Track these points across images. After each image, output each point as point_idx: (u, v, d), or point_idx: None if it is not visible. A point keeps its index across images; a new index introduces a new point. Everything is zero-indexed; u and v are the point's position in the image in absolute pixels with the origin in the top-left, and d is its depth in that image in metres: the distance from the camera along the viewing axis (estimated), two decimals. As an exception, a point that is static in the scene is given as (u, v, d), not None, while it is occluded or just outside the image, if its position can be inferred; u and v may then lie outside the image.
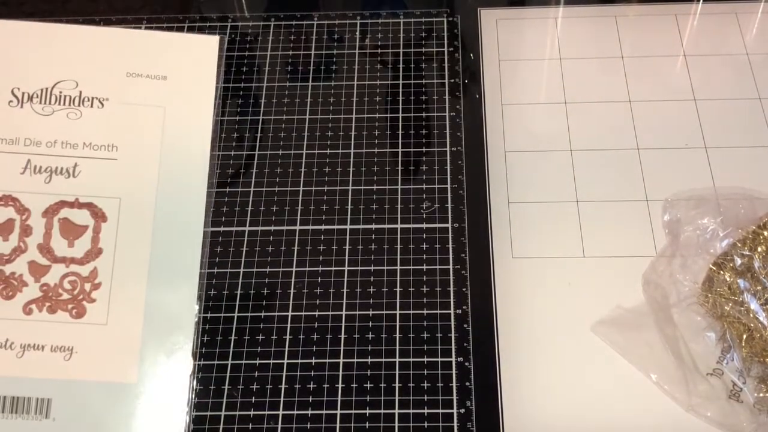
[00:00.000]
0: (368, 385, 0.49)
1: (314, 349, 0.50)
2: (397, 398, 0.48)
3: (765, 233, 0.51)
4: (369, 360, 0.50)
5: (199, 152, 0.54)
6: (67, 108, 0.54)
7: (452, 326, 0.51)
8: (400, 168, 0.57)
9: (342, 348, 0.50)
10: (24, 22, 0.56)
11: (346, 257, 0.53)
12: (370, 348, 0.50)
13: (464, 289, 0.52)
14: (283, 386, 0.49)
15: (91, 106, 0.54)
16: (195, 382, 0.49)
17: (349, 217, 0.55)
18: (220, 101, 0.56)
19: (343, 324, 0.51)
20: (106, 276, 0.51)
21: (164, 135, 0.54)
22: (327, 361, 0.50)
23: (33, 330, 0.50)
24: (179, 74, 0.55)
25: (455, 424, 0.48)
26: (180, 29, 0.64)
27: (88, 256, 0.51)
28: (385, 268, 0.53)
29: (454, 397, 0.48)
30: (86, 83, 0.54)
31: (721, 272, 0.50)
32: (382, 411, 0.48)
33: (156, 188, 0.52)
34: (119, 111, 0.54)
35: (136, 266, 0.51)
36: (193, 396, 0.49)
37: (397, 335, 0.50)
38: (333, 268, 0.53)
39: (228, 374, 0.50)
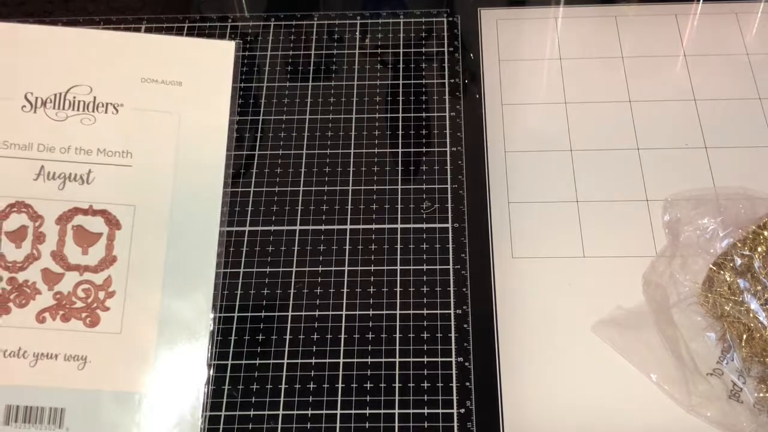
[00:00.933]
0: (368, 385, 0.49)
1: (314, 349, 0.50)
2: (397, 398, 0.48)
3: (765, 233, 0.51)
4: (369, 360, 0.50)
5: (215, 158, 0.53)
6: (81, 113, 0.53)
7: (452, 326, 0.51)
8: (400, 168, 0.57)
9: (342, 348, 0.50)
10: (37, 26, 0.55)
11: (346, 257, 0.53)
12: (370, 348, 0.50)
13: (464, 289, 0.52)
14: (283, 386, 0.49)
15: (106, 112, 0.53)
16: (209, 391, 0.49)
17: (349, 217, 0.55)
18: (236, 106, 0.56)
19: (343, 324, 0.51)
20: (121, 284, 0.50)
21: (179, 141, 0.53)
22: (327, 361, 0.50)
23: (46, 339, 0.49)
24: (195, 80, 0.54)
25: (455, 424, 0.48)
26: (180, 29, 0.64)
27: (102, 264, 0.50)
28: (385, 268, 0.53)
29: (454, 397, 0.48)
30: (100, 88, 0.53)
31: (721, 272, 0.50)
32: (382, 411, 0.48)
33: (171, 195, 0.52)
34: (134, 117, 0.53)
35: (150, 274, 0.50)
36: (208, 404, 0.48)
37: (397, 335, 0.50)
38: (333, 268, 0.53)
39: (228, 374, 0.50)
